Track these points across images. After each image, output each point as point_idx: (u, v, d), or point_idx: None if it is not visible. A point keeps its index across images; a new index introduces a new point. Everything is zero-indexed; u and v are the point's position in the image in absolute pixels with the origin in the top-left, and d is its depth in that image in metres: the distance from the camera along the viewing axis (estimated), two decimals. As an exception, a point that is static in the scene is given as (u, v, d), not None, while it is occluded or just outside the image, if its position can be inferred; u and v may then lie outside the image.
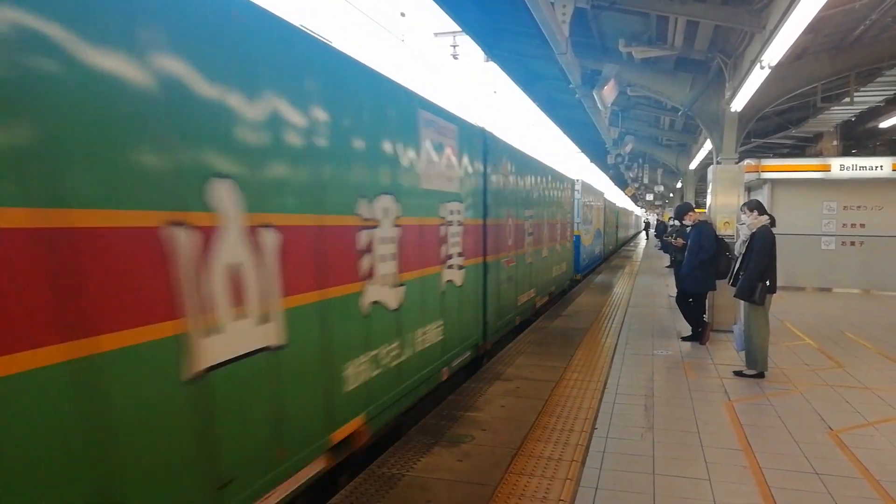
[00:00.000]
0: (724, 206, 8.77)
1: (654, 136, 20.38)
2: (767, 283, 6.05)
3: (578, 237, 15.54)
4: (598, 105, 9.78)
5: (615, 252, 29.55)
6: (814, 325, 9.21)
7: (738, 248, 6.56)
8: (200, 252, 2.45)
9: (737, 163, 9.68)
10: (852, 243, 13.36)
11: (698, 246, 7.64)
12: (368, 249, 3.89)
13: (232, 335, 2.63)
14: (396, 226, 4.32)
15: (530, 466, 3.95)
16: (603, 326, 9.04)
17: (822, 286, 13.63)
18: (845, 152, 16.73)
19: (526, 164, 8.93)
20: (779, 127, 15.35)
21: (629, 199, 49.62)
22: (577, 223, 15.40)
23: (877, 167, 12.70)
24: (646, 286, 14.60)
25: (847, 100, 11.58)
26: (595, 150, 24.95)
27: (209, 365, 2.49)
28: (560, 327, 8.98)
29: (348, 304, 3.68)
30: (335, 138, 3.49)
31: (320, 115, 3.33)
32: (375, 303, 4.02)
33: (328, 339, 3.44)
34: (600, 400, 5.44)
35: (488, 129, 6.87)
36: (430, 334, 5.16)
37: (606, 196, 23.64)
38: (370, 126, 3.94)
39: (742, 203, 6.98)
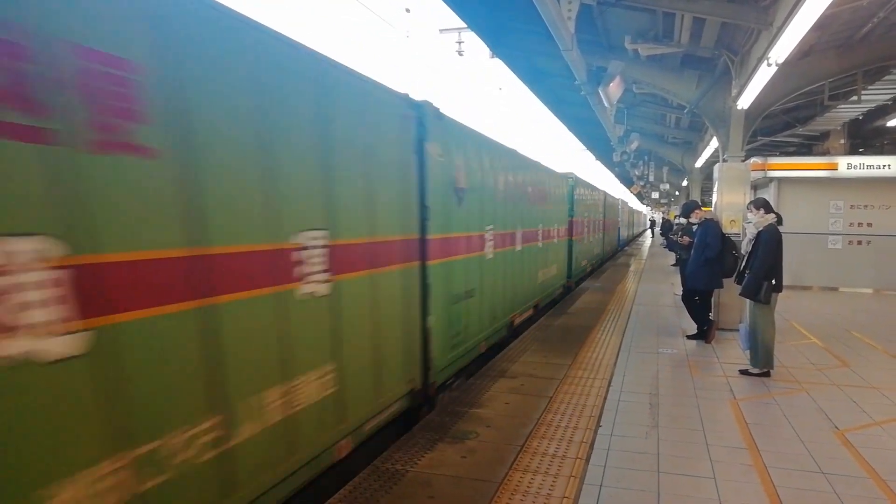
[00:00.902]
0: (730, 205, 8.73)
1: (659, 134, 20.33)
2: (773, 281, 6.02)
3: (619, 228, 29.04)
4: (604, 102, 9.75)
5: (633, 240, 43.52)
6: (820, 325, 9.17)
7: (745, 247, 6.53)
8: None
9: (743, 161, 9.65)
10: (859, 242, 13.28)
11: (704, 244, 7.60)
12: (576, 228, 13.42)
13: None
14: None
15: (535, 463, 3.94)
16: (608, 324, 9.03)
17: (829, 285, 13.57)
18: (852, 151, 16.66)
19: (615, 200, 24.99)
20: (785, 125, 15.29)
21: (635, 198, 49.69)
22: (619, 220, 28.81)
23: (884, 166, 12.61)
24: (651, 284, 14.57)
25: (854, 98, 11.52)
26: (600, 147, 24.91)
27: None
28: (565, 325, 8.97)
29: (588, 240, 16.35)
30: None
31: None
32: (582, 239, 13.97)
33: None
34: (605, 398, 5.43)
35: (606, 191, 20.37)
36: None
37: (629, 204, 40.86)
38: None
39: (748, 201, 6.95)
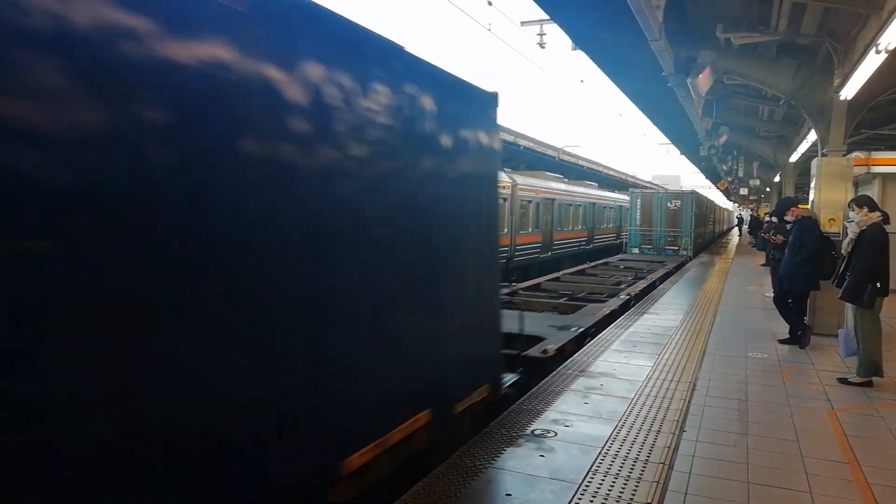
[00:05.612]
0: (829, 202, 8.20)
1: (750, 127, 19.38)
2: (878, 284, 5.61)
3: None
4: (692, 94, 9.38)
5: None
6: (930, 332, 8.47)
7: (845, 247, 6.12)
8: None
9: (844, 155, 9.04)
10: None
11: (800, 243, 7.18)
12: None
13: None
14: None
15: (615, 466, 3.84)
16: (692, 326, 8.69)
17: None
18: (970, 144, 15.31)
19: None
20: (892, 117, 14.22)
21: (722, 195, 48.44)
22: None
23: None
24: (738, 285, 13.93)
25: (975, 87, 10.54)
26: (686, 141, 24.04)
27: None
28: (646, 325, 8.71)
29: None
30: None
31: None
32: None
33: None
34: (689, 402, 5.23)
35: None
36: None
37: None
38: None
39: (850, 199, 6.50)
